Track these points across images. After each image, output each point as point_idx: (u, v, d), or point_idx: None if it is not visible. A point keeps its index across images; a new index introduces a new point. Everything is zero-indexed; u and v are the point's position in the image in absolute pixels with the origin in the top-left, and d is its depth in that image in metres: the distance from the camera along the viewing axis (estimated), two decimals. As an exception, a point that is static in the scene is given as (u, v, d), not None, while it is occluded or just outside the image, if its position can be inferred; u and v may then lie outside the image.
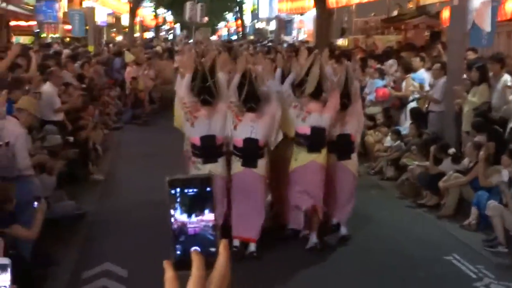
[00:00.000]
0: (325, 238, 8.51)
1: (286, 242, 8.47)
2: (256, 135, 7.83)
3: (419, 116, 12.52)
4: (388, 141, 12.71)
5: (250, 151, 7.89)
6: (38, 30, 28.30)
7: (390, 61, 14.86)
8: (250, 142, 7.84)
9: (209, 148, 7.91)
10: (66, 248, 8.21)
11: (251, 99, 7.80)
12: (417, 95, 12.89)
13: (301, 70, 8.37)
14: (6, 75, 9.88)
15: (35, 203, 6.94)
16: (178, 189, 1.42)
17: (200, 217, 1.43)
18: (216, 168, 7.87)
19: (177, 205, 1.42)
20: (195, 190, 1.43)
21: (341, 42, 27.45)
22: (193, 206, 1.42)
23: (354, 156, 8.69)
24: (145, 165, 12.59)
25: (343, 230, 8.64)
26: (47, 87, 11.13)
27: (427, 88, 12.72)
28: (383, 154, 12.64)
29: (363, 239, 8.83)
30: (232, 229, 7.97)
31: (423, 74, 13.11)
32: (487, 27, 11.17)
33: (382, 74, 14.13)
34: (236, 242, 7.97)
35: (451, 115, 11.43)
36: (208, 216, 1.43)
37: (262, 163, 7.95)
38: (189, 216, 1.42)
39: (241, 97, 7.86)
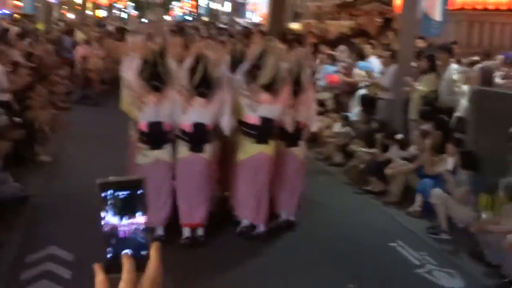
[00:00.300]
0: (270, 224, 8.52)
1: (233, 228, 8.48)
2: (205, 120, 7.82)
3: (368, 103, 12.63)
4: (337, 127, 12.82)
5: (198, 136, 7.85)
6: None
7: (341, 47, 14.94)
8: (198, 127, 7.81)
9: (156, 135, 7.87)
10: (9, 231, 8.05)
11: (203, 84, 7.75)
12: (365, 83, 13.01)
13: (252, 57, 8.32)
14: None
15: None
16: (109, 192, 1.41)
17: (131, 220, 1.42)
18: (162, 154, 7.89)
19: (108, 208, 1.40)
20: (126, 192, 1.42)
21: (294, 26, 27.46)
22: (124, 209, 1.41)
23: (302, 143, 8.70)
24: (94, 147, 12.46)
25: (290, 216, 8.69)
26: (-6, 67, 10.91)
27: (377, 75, 12.84)
28: (331, 139, 12.73)
29: (310, 225, 8.90)
30: (180, 217, 7.96)
31: (373, 61, 13.22)
32: (437, 16, 11.31)
33: (333, 60, 14.21)
34: (186, 232, 7.97)
35: (400, 102, 11.56)
36: (140, 219, 1.42)
37: (209, 148, 7.94)
38: (120, 219, 1.41)
39: (193, 81, 7.80)
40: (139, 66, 7.86)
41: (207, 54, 8.17)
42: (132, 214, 1.42)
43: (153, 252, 1.42)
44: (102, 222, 1.42)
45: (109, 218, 1.42)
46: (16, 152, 10.12)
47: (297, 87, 8.31)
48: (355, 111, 12.93)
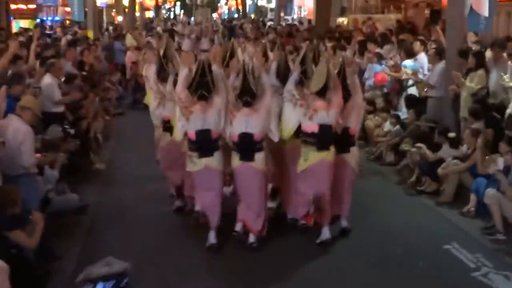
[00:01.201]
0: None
1: (286, 233, 8.58)
2: (251, 129, 7.88)
3: (414, 102, 12.53)
4: (387, 126, 12.76)
5: (246, 146, 7.94)
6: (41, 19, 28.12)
7: (388, 46, 14.80)
8: (245, 137, 7.90)
9: (205, 142, 8.01)
10: (69, 242, 8.28)
11: (246, 93, 7.84)
12: (411, 81, 12.92)
13: (298, 65, 8.33)
14: (7, 69, 9.93)
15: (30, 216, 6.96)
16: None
17: None
18: (211, 161, 8.05)
19: None
20: (112, 283, 1.47)
21: (341, 21, 27.35)
22: None
23: (354, 149, 8.63)
24: (147, 151, 12.54)
25: (343, 223, 8.71)
26: (47, 79, 11.14)
27: (426, 72, 12.72)
28: (382, 139, 12.69)
29: (362, 228, 8.90)
30: (238, 212, 8.21)
31: (423, 58, 13.09)
32: (484, 12, 11.15)
33: (380, 58, 14.12)
34: (238, 227, 8.19)
35: (449, 100, 11.45)
36: None
37: (259, 157, 7.99)
38: None
39: (237, 91, 7.93)
40: (185, 76, 8.04)
41: (251, 62, 8.29)
42: None
43: None
44: None
45: None
46: (71, 162, 10.32)
47: (344, 93, 8.22)
48: (404, 110, 12.84)
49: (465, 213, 9.39)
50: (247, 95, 7.84)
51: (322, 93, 7.91)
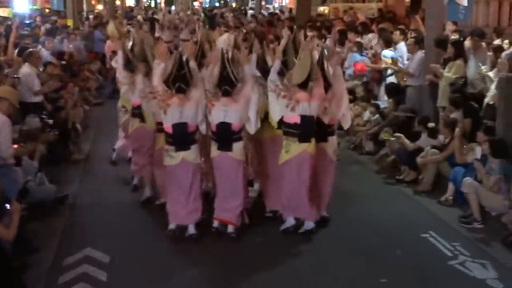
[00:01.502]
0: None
1: (266, 223, 8.62)
2: (229, 119, 7.89)
3: (395, 91, 12.57)
4: (367, 115, 12.80)
5: (224, 135, 7.97)
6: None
7: (370, 36, 14.83)
8: (223, 126, 7.92)
9: (181, 136, 7.99)
10: (47, 234, 8.23)
11: (225, 82, 7.85)
12: (391, 71, 12.96)
13: (280, 55, 8.28)
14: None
15: (7, 205, 6.89)
16: None
17: None
18: (189, 155, 8.02)
19: None
20: None
21: (322, 10, 27.32)
22: None
23: (332, 139, 8.62)
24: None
25: (323, 212, 8.72)
26: (26, 69, 11.06)
27: (406, 61, 12.75)
28: (362, 128, 12.73)
29: (341, 217, 8.93)
30: (215, 209, 8.21)
31: (402, 48, 13.12)
32: (463, 1, 11.19)
33: (360, 48, 14.13)
34: (215, 223, 8.19)
35: (428, 89, 11.50)
36: None
37: (237, 146, 8.00)
38: None
39: (216, 80, 7.93)
40: (162, 69, 8.04)
41: (231, 51, 8.32)
42: None
43: None
44: None
45: None
46: (50, 152, 10.27)
47: (324, 82, 8.22)
48: (384, 99, 12.88)
49: (443, 202, 9.46)
50: (226, 84, 7.84)
51: (304, 84, 7.93)
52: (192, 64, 8.11)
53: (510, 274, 7.29)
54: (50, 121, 10.81)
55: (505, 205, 8.33)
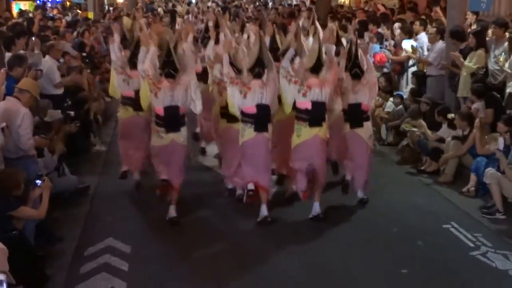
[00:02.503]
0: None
1: (289, 210, 8.77)
2: (266, 101, 8.15)
3: (422, 79, 12.49)
4: (389, 106, 12.72)
5: (263, 116, 8.22)
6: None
7: (396, 25, 14.60)
8: (262, 108, 8.16)
9: (172, 118, 8.27)
10: (69, 224, 8.32)
11: (259, 65, 8.14)
12: (412, 61, 12.89)
13: (294, 42, 8.51)
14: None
15: (39, 181, 7.02)
16: None
17: None
18: (178, 137, 8.35)
19: None
20: None
21: (343, 0, 27.17)
22: None
23: (367, 124, 8.93)
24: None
25: (360, 194, 9.09)
26: (47, 61, 11.09)
27: (426, 52, 12.66)
28: (384, 118, 12.65)
29: (363, 208, 8.97)
30: (245, 176, 8.47)
31: (423, 38, 13.02)
32: (485, -10, 11.10)
33: (381, 39, 14.03)
34: (251, 186, 8.37)
35: (449, 79, 11.41)
36: None
37: (270, 127, 8.32)
38: None
39: (249, 64, 8.22)
40: (153, 53, 8.26)
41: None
42: None
43: None
44: None
45: None
46: (71, 143, 10.30)
47: (356, 70, 8.58)
48: (406, 90, 12.80)
49: (465, 192, 9.41)
50: (260, 67, 8.15)
51: (315, 70, 8.13)
52: (183, 48, 8.49)
53: (533, 265, 7.24)
54: (72, 113, 10.83)
55: (527, 196, 8.29)
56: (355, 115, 8.73)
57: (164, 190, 8.42)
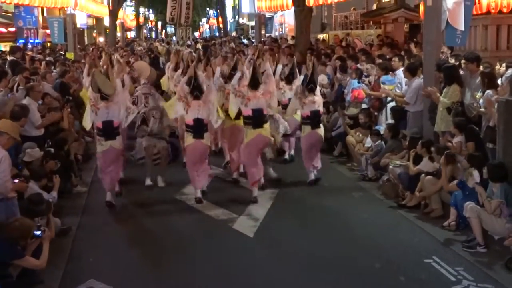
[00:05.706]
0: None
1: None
2: (202, 116, 10.70)
3: (400, 114, 12.58)
4: (368, 141, 12.80)
5: (198, 127, 10.72)
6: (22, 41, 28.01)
7: (368, 66, 14.71)
8: (198, 121, 10.70)
9: (109, 129, 10.52)
10: (50, 265, 8.14)
11: (197, 90, 10.64)
12: (388, 98, 13.02)
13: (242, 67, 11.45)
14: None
15: (38, 232, 7.21)
16: None
17: None
18: (115, 143, 10.64)
19: None
20: None
21: (321, 37, 27.45)
22: None
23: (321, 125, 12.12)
24: (128, 174, 12.61)
25: (312, 176, 12.06)
26: (27, 102, 11.06)
27: (404, 87, 12.76)
28: (364, 154, 12.70)
29: (344, 243, 9.00)
30: (196, 184, 11.07)
31: (401, 73, 13.13)
32: (460, 26, 11.26)
33: (360, 75, 14.14)
34: (198, 193, 11.01)
35: (427, 114, 11.50)
36: None
37: (206, 136, 10.91)
38: None
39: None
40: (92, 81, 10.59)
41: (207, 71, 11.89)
42: None
43: None
44: None
45: None
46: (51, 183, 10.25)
47: (312, 85, 11.69)
48: (385, 125, 12.89)
49: (446, 227, 9.44)
50: (197, 91, 10.66)
51: (253, 86, 10.88)
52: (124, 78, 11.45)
53: (514, 297, 7.27)
54: (52, 150, 10.92)
55: (508, 229, 8.33)
56: (314, 119, 11.83)
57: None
